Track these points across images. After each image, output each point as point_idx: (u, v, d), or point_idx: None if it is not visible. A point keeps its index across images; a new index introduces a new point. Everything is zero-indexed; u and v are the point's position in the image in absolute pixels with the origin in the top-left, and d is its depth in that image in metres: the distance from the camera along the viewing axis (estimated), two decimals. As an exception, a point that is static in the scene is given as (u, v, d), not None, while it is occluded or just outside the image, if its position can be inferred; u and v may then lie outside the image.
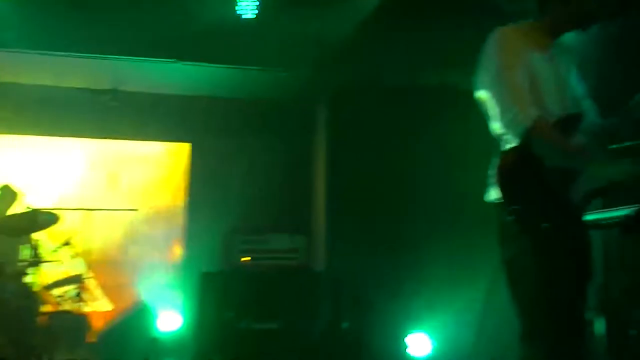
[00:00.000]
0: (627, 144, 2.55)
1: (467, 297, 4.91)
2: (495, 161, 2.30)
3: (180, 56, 5.15)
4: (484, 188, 2.45)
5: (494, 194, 2.32)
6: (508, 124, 2.21)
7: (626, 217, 2.33)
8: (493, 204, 2.35)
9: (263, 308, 5.02)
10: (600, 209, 3.07)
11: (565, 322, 2.21)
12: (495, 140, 2.38)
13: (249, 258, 5.33)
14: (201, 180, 6.14)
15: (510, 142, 2.25)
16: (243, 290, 5.06)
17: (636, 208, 2.03)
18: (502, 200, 2.23)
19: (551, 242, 2.16)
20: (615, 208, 2.95)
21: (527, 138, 2.17)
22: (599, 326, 3.83)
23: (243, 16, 4.88)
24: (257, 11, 4.85)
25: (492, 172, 2.31)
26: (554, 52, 2.43)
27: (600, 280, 4.73)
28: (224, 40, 5.00)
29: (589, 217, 2.56)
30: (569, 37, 2.48)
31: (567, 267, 2.21)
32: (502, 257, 2.32)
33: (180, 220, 6.11)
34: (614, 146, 2.51)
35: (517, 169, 2.23)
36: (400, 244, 5.34)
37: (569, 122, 2.32)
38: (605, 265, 4.75)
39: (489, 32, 2.38)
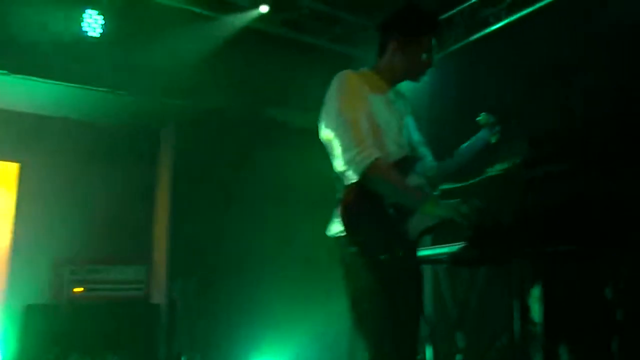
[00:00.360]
0: (458, 185, 2.78)
1: (313, 328, 5.03)
2: (339, 197, 2.38)
3: (12, 68, 4.76)
4: (323, 220, 2.53)
5: (336, 227, 2.40)
6: (349, 162, 2.30)
7: (453, 253, 2.51)
8: (335, 238, 2.43)
9: (95, 343, 4.70)
10: (430, 245, 3.30)
11: (408, 352, 2.32)
12: (338, 178, 2.48)
13: (82, 289, 4.98)
14: (31, 204, 5.64)
15: (352, 179, 2.36)
16: (73, 324, 4.71)
17: (462, 245, 2.20)
18: (345, 234, 2.32)
19: (392, 274, 2.26)
20: (443, 245, 3.18)
21: (367, 176, 2.28)
22: (428, 354, 4.08)
23: (88, 34, 4.68)
24: (102, 30, 4.67)
25: (336, 207, 2.39)
26: (392, 98, 2.59)
27: (429, 310, 5.08)
28: (64, 56, 4.73)
29: (421, 252, 2.74)
30: (404, 85, 2.67)
31: (407, 298, 2.32)
32: (346, 290, 2.39)
33: (4, 247, 5.56)
34: (446, 187, 2.72)
35: (358, 204, 2.32)
36: (243, 275, 5.34)
37: (406, 164, 2.47)
38: (434, 296, 5.11)
39: (331, 75, 2.49)
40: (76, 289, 5.03)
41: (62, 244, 5.43)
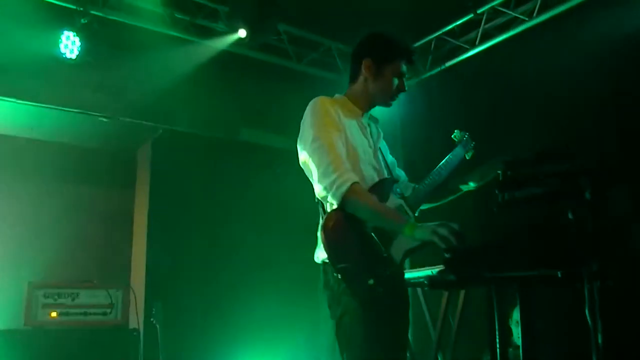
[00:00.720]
0: (435, 204, 2.80)
1: (295, 347, 5.01)
2: (320, 222, 2.38)
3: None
4: (302, 241, 2.52)
5: (321, 254, 2.39)
6: (328, 188, 2.31)
7: (432, 276, 2.52)
8: (320, 264, 2.42)
9: (71, 370, 4.59)
10: (409, 268, 3.31)
11: None
12: (319, 202, 2.48)
13: (57, 314, 4.87)
14: (3, 226, 5.55)
15: (332, 204, 2.36)
16: (48, 349, 4.58)
17: (439, 269, 2.20)
18: (328, 260, 2.31)
19: (377, 299, 2.25)
20: (422, 268, 3.20)
21: (346, 202, 2.28)
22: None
23: (65, 56, 4.65)
24: (79, 52, 4.66)
25: (318, 234, 2.39)
26: (365, 123, 2.62)
27: (409, 333, 5.08)
28: (41, 77, 4.71)
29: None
30: (376, 110, 2.69)
31: (393, 323, 2.32)
32: (331, 316, 2.38)
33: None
34: (425, 207, 2.73)
35: (340, 230, 2.32)
36: (221, 299, 5.30)
37: (384, 186, 2.49)
38: (414, 318, 5.10)
39: (308, 99, 2.50)
40: (51, 314, 4.91)
41: (36, 267, 5.33)
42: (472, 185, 2.65)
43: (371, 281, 2.22)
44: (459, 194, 2.74)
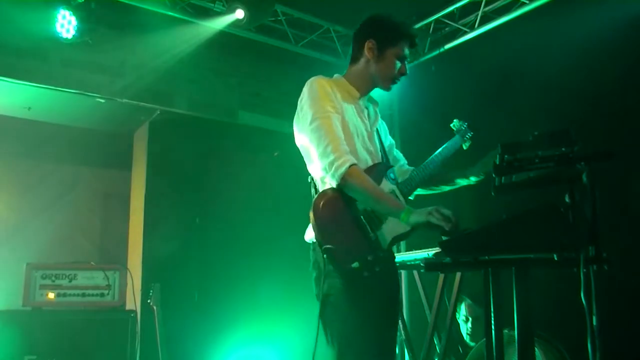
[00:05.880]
0: (431, 192, 2.79)
1: (288, 332, 5.03)
2: (312, 202, 2.38)
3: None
4: (298, 223, 2.52)
5: (310, 234, 2.40)
6: (327, 168, 2.31)
7: (427, 259, 2.52)
8: (310, 244, 2.43)
9: (69, 350, 4.60)
10: (405, 251, 3.33)
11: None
12: (312, 182, 2.48)
13: (54, 295, 4.89)
14: (0, 206, 5.55)
15: (328, 185, 2.36)
16: (46, 330, 4.60)
17: (436, 251, 2.21)
18: (316, 240, 2.31)
19: (362, 282, 2.26)
20: (418, 251, 3.21)
21: (344, 183, 2.28)
22: (406, 359, 4.09)
23: (61, 35, 4.61)
24: (75, 32, 4.61)
25: (310, 213, 2.39)
26: (363, 105, 2.60)
27: (406, 315, 5.10)
28: (37, 57, 4.68)
29: (397, 258, 2.75)
30: (375, 92, 2.68)
31: (378, 305, 2.32)
32: (317, 295, 2.39)
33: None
34: (419, 193, 2.73)
35: (330, 210, 2.32)
36: (218, 280, 5.32)
37: (378, 170, 2.48)
38: (410, 301, 5.14)
39: (306, 82, 2.49)
40: (48, 295, 4.92)
41: (34, 248, 5.34)
42: (472, 179, 2.64)
43: (356, 264, 2.22)
44: (455, 186, 2.73)
